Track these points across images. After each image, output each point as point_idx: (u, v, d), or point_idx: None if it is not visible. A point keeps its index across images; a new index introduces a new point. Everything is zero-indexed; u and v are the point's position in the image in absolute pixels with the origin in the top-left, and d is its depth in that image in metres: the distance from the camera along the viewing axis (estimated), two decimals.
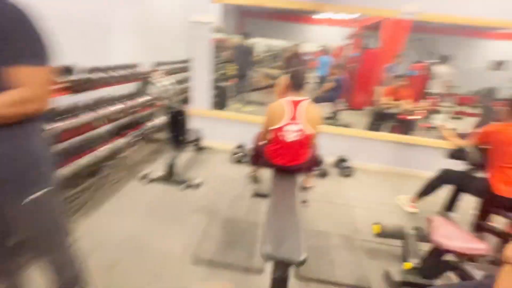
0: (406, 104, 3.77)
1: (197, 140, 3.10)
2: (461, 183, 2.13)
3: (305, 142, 1.94)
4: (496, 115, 4.29)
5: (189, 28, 2.99)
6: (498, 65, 9.10)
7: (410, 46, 6.29)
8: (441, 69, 4.37)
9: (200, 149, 3.29)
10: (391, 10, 2.68)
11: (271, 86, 6.28)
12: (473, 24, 2.65)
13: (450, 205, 2.42)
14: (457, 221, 2.33)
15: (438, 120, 4.61)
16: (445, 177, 2.25)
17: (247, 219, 2.14)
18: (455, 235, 1.47)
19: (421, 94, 4.16)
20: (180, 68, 3.68)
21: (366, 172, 3.19)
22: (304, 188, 2.54)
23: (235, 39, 5.89)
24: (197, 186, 2.48)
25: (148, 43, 3.73)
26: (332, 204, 2.46)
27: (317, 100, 4.90)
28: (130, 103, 2.72)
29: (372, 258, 1.85)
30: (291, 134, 1.90)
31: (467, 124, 4.66)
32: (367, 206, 2.48)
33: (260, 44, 11.30)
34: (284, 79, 2.00)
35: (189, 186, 2.46)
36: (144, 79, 2.98)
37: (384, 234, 1.83)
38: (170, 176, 2.49)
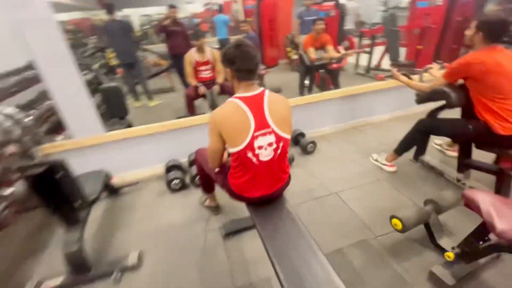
0: (332, 52, 3.45)
1: (104, 185, 2.01)
2: (443, 131, 1.92)
3: (285, 152, 1.27)
4: (400, 38, 4.50)
5: (14, 14, 1.65)
6: None
7: None
8: (352, 5, 4.17)
9: (114, 193, 2.21)
10: None
11: (171, 67, 5.08)
12: None
13: (421, 150, 2.29)
14: (435, 164, 2.21)
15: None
16: (424, 129, 2.02)
17: (239, 283, 1.43)
18: (506, 211, 1.16)
19: (338, 36, 3.92)
20: (21, 82, 2.23)
21: (322, 139, 2.83)
22: None
23: (101, 16, 4.27)
24: (136, 265, 1.56)
25: None
26: (318, 200, 1.97)
27: None
28: None
29: (402, 259, 1.49)
30: (266, 150, 1.18)
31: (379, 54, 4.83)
32: (352, 186, 2.10)
33: (135, 15, 9.17)
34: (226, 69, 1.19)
35: (122, 273, 1.52)
36: None
37: (407, 227, 1.46)
38: (81, 272, 1.47)
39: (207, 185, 1.76)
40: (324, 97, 2.76)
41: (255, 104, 1.15)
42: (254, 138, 1.14)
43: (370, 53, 4.77)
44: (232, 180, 1.30)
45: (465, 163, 1.93)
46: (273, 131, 1.17)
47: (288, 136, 1.22)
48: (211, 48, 3.08)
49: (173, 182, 2.15)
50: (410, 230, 1.48)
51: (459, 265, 1.35)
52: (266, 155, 1.19)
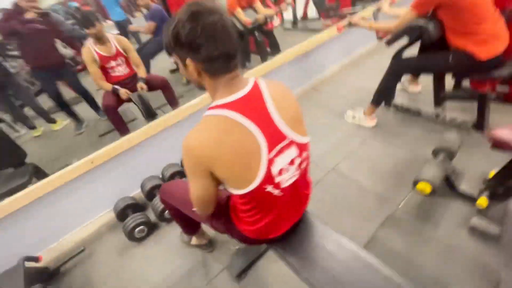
0: (262, 9, 3.00)
1: (31, 278, 1.32)
2: (422, 68, 1.79)
3: (308, 161, 0.88)
4: None
5: None
6: None
7: None
8: None
9: (54, 277, 1.52)
10: None
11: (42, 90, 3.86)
12: None
13: (392, 95, 2.18)
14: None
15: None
16: (399, 72, 1.85)
17: None
18: None
19: None
20: None
21: None
22: None
23: None
24: None
25: None
26: (320, 185, 1.70)
27: (147, 56, 3.31)
28: None
29: (435, 222, 1.36)
30: (288, 172, 0.77)
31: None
32: (343, 155, 1.87)
33: None
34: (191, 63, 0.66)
35: None
36: None
37: (437, 188, 1.30)
38: None
39: (189, 227, 1.29)
40: (276, 63, 2.37)
41: (255, 108, 0.69)
42: (270, 163, 0.71)
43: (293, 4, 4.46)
44: (245, 227, 0.87)
45: (443, 96, 1.88)
46: (292, 141, 0.75)
47: (308, 139, 0.83)
48: (114, 35, 2.29)
49: (136, 230, 1.57)
50: None
51: (493, 209, 1.27)
52: (289, 177, 0.78)
